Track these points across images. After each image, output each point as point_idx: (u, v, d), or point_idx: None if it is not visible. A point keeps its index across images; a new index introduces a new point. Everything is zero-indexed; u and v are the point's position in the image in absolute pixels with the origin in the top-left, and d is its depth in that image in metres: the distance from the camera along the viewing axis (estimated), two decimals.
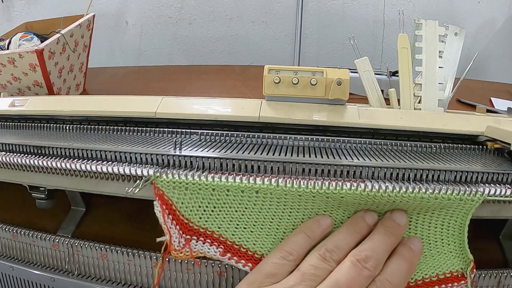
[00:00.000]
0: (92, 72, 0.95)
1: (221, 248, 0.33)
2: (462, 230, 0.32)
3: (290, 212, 0.33)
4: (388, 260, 0.30)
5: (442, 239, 0.33)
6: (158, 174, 0.32)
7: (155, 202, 0.33)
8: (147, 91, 0.89)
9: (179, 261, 0.36)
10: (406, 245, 0.32)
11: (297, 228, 0.33)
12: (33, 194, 0.42)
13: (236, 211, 0.33)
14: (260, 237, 0.33)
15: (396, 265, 0.30)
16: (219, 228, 0.33)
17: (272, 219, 0.33)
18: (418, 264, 0.33)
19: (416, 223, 0.33)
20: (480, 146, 0.40)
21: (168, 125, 0.44)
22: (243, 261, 0.33)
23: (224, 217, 0.33)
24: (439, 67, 0.47)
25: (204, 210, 0.33)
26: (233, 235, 0.33)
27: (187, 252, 0.33)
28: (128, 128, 0.45)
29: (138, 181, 0.32)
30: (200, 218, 0.33)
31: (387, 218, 0.32)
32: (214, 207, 0.33)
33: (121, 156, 0.36)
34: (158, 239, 0.33)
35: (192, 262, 0.36)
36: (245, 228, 0.33)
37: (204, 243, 0.33)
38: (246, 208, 0.33)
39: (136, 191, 0.32)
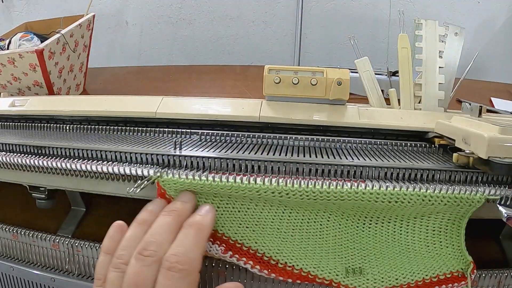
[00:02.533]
0: (92, 72, 0.95)
1: (223, 246, 0.33)
2: (459, 233, 0.33)
3: (290, 213, 0.33)
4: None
5: (440, 242, 0.33)
6: (159, 174, 0.32)
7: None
8: (147, 91, 0.89)
9: None
10: (192, 215, 0.31)
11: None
12: (33, 194, 0.42)
13: (238, 211, 0.33)
14: (261, 236, 0.33)
15: (180, 235, 0.29)
16: (222, 227, 0.33)
17: (273, 219, 0.33)
18: (418, 264, 0.33)
19: (414, 227, 0.33)
20: None
21: (168, 125, 0.44)
22: (244, 259, 0.33)
23: (226, 217, 0.33)
24: (439, 67, 0.47)
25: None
26: (235, 233, 0.33)
27: None
28: (128, 128, 0.45)
29: (140, 181, 0.32)
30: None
31: (169, 204, 0.32)
32: (218, 207, 0.33)
33: (121, 156, 0.36)
34: None
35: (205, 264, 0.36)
36: (247, 227, 0.33)
37: (215, 241, 0.33)
38: (248, 208, 0.33)
39: (137, 191, 0.32)
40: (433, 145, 0.39)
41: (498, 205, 0.30)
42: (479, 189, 0.31)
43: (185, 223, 0.30)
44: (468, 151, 0.32)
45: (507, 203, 0.30)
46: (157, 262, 0.28)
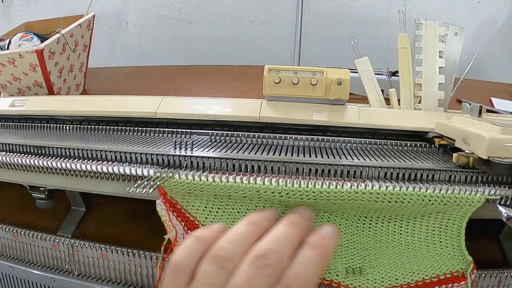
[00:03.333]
0: (92, 72, 0.95)
1: None
2: (460, 234, 0.33)
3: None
4: (297, 253, 0.27)
5: (440, 242, 0.33)
6: (171, 174, 0.32)
7: (157, 201, 0.33)
8: (147, 91, 0.89)
9: None
10: (316, 233, 0.28)
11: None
12: (33, 194, 0.42)
13: (238, 212, 0.33)
14: None
15: (304, 256, 0.26)
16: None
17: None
18: (418, 264, 0.33)
19: (414, 227, 0.33)
20: None
21: (168, 125, 0.44)
22: None
23: (226, 218, 0.33)
24: (439, 67, 0.47)
25: (210, 211, 0.33)
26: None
27: None
28: (128, 128, 0.45)
29: (151, 181, 0.31)
30: (206, 218, 0.33)
31: (291, 211, 0.30)
32: (219, 208, 0.33)
33: (121, 156, 0.36)
34: (166, 236, 0.33)
35: None
36: None
37: None
38: (247, 209, 0.33)
39: (150, 191, 0.31)
40: (433, 145, 0.39)
41: (498, 205, 0.30)
42: (479, 189, 0.31)
43: (309, 242, 0.27)
44: (468, 151, 0.32)
45: (507, 203, 0.30)
46: (274, 276, 0.25)
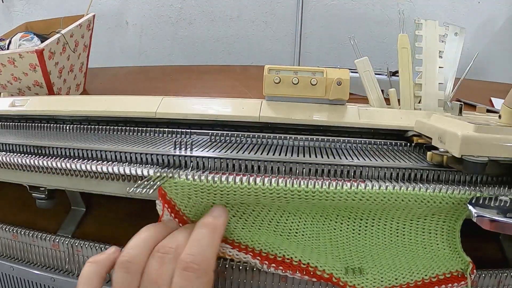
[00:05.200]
0: (92, 72, 0.95)
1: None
2: (455, 235, 0.33)
3: (288, 217, 0.33)
4: None
5: (437, 244, 0.33)
6: (171, 174, 0.32)
7: (157, 201, 0.33)
8: (147, 91, 0.89)
9: None
10: (205, 216, 0.31)
11: None
12: (33, 194, 0.42)
13: (237, 211, 0.33)
14: (257, 236, 0.33)
15: (195, 234, 0.29)
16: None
17: (270, 222, 0.33)
18: (417, 265, 0.33)
19: (410, 228, 0.33)
20: None
21: (168, 125, 0.44)
22: (242, 253, 0.32)
23: (229, 220, 0.33)
24: (439, 67, 0.47)
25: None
26: (231, 234, 0.33)
27: None
28: (128, 128, 0.45)
29: (151, 181, 0.32)
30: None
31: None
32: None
33: (121, 156, 0.36)
34: None
35: None
36: (242, 229, 0.33)
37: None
38: (247, 209, 0.33)
39: (150, 192, 0.31)
40: (411, 144, 0.39)
41: (468, 205, 0.30)
42: (464, 188, 0.31)
43: (198, 223, 0.30)
44: (442, 150, 0.32)
45: (480, 202, 0.30)
46: (174, 261, 0.28)
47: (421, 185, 0.31)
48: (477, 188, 0.31)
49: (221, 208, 0.32)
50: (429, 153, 0.33)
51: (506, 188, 0.31)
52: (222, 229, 0.31)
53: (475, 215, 0.29)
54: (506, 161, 0.30)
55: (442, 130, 0.33)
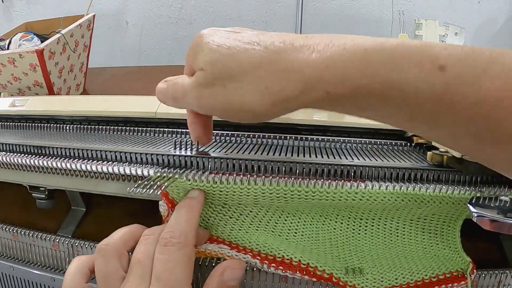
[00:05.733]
0: (92, 72, 0.95)
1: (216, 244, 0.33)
2: (455, 235, 0.33)
3: (288, 215, 0.33)
4: None
5: (437, 244, 0.33)
6: (171, 175, 0.32)
7: (160, 202, 0.33)
8: (147, 91, 0.89)
9: None
10: (182, 199, 0.32)
11: None
12: (33, 194, 0.42)
13: (234, 211, 0.33)
14: (255, 237, 0.33)
15: (172, 216, 0.30)
16: (215, 230, 0.33)
17: (268, 222, 0.33)
18: (417, 265, 0.33)
19: (410, 229, 0.33)
20: None
21: (168, 125, 0.44)
22: (241, 253, 0.32)
23: (226, 220, 0.33)
24: None
25: (207, 215, 0.33)
26: (229, 235, 0.33)
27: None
28: (128, 128, 0.45)
29: (151, 181, 0.32)
30: (201, 221, 0.33)
31: None
32: (214, 210, 0.33)
33: (121, 156, 0.36)
34: None
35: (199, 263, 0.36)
36: (239, 230, 0.33)
37: (211, 243, 0.33)
38: (244, 209, 0.33)
39: (158, 193, 0.31)
40: (411, 144, 0.39)
41: (468, 205, 0.30)
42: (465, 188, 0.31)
43: (175, 207, 0.31)
44: (442, 150, 0.32)
45: (479, 203, 0.30)
46: (157, 241, 0.29)
47: (421, 185, 0.31)
48: (477, 188, 0.31)
49: (197, 190, 0.32)
50: (429, 153, 0.33)
51: (506, 188, 0.31)
52: (199, 206, 0.31)
53: (475, 215, 0.29)
54: None
55: None
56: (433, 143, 0.34)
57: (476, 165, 0.29)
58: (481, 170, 0.29)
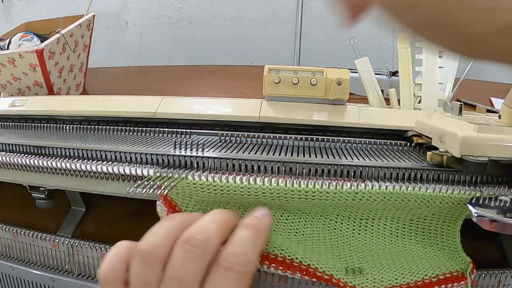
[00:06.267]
0: (92, 72, 0.95)
1: None
2: (455, 236, 0.33)
3: (288, 215, 0.33)
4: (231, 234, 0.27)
5: (437, 244, 0.33)
6: (184, 175, 0.32)
7: (158, 202, 0.33)
8: (147, 91, 0.89)
9: None
10: (249, 215, 0.29)
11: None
12: (33, 194, 0.42)
13: (236, 210, 0.33)
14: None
15: (238, 236, 0.27)
16: None
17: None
18: (417, 265, 0.33)
19: (410, 229, 0.33)
20: None
21: (168, 125, 0.44)
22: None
23: None
24: (439, 67, 0.47)
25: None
26: None
27: None
28: (128, 128, 0.45)
29: (151, 181, 0.31)
30: None
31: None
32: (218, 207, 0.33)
33: (121, 156, 0.36)
34: None
35: None
36: None
37: None
38: (246, 211, 0.33)
39: (165, 193, 0.31)
40: (411, 144, 0.39)
41: (468, 205, 0.30)
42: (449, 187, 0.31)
43: (241, 223, 0.28)
44: (442, 150, 0.32)
45: (479, 202, 0.30)
46: (206, 256, 0.25)
47: (421, 185, 0.31)
48: (477, 188, 0.31)
49: (266, 209, 0.30)
50: (429, 153, 0.33)
51: (506, 188, 0.31)
52: (266, 232, 0.29)
53: (475, 215, 0.29)
54: (506, 161, 0.30)
55: (442, 130, 0.33)
56: (433, 143, 0.34)
57: (476, 165, 0.29)
58: (481, 170, 0.29)
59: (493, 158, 0.29)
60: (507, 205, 0.30)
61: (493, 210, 0.29)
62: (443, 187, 0.31)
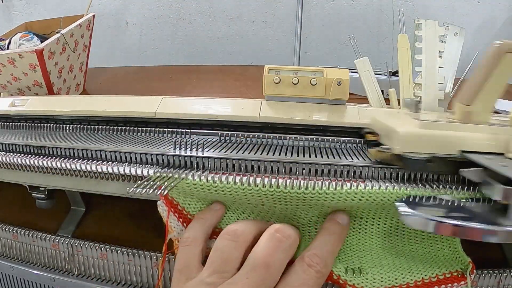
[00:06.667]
0: (92, 72, 0.95)
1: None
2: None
3: (288, 216, 0.33)
4: (316, 236, 0.31)
5: (437, 244, 0.33)
6: (184, 176, 0.32)
7: (159, 202, 0.33)
8: (147, 91, 0.89)
9: None
10: (332, 219, 0.32)
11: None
12: (33, 194, 0.42)
13: (235, 211, 0.33)
14: None
15: (323, 238, 0.30)
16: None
17: (269, 220, 0.33)
18: (417, 265, 0.33)
19: (410, 229, 0.33)
20: None
21: (168, 125, 0.44)
22: None
23: (229, 217, 0.33)
24: (439, 67, 0.46)
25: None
26: None
27: None
28: (128, 128, 0.45)
29: (151, 181, 0.32)
30: None
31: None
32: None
33: (121, 156, 0.36)
34: (168, 236, 0.33)
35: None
36: None
37: (210, 239, 0.33)
38: (245, 209, 0.33)
39: (165, 193, 0.31)
40: (364, 141, 0.39)
41: (396, 203, 0.29)
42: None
43: (325, 225, 0.31)
44: (385, 147, 0.32)
45: (410, 200, 0.29)
46: (290, 252, 0.28)
47: (421, 185, 0.31)
48: (419, 185, 0.30)
49: (347, 218, 0.32)
50: (372, 150, 0.33)
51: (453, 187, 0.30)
52: (344, 239, 0.31)
53: (401, 213, 0.28)
54: (450, 158, 0.29)
55: (387, 126, 0.33)
56: (381, 140, 0.34)
57: (416, 162, 0.29)
58: (422, 167, 0.29)
59: (435, 155, 0.29)
60: (449, 204, 0.28)
61: (430, 209, 0.28)
62: (443, 187, 0.31)
